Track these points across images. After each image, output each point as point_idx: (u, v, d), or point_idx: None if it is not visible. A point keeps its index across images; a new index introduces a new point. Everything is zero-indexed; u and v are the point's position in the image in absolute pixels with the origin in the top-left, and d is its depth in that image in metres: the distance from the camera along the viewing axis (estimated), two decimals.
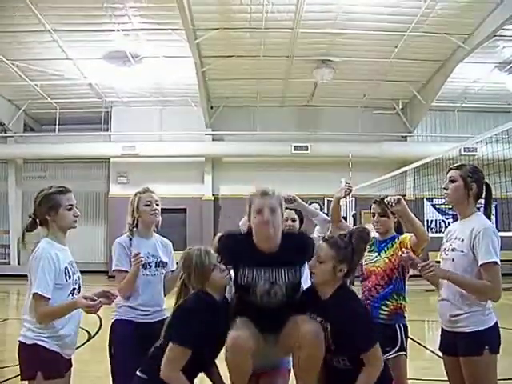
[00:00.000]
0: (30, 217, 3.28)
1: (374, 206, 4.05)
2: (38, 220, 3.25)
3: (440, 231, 16.01)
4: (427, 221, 16.54)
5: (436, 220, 16.90)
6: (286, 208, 3.88)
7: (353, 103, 15.93)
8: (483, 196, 3.49)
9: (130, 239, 3.87)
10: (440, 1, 10.92)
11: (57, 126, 16.59)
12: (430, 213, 16.85)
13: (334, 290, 3.21)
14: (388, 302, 3.74)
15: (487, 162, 8.50)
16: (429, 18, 11.55)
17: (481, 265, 3.24)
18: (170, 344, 3.06)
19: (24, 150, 16.91)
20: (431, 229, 16.39)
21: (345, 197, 4.51)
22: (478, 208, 3.51)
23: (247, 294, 3.25)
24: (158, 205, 3.96)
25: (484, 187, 3.47)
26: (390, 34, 12.19)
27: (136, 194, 3.96)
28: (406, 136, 16.99)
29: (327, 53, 12.74)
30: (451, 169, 3.53)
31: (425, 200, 16.63)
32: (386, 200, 3.79)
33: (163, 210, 4.04)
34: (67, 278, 3.16)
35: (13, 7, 10.90)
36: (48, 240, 3.20)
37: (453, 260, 3.37)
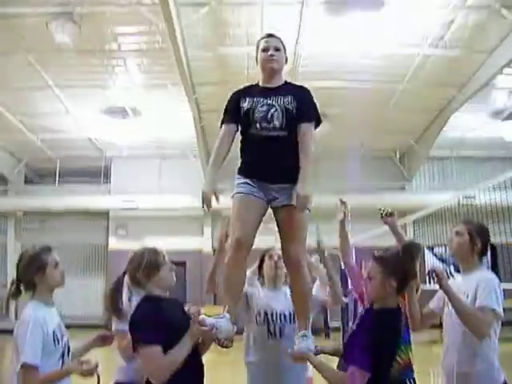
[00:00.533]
0: (12, 284, 3.15)
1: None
2: (22, 284, 3.13)
3: None
4: (428, 271, 16.42)
5: (437, 279, 16.79)
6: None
7: (350, 154, 16.06)
8: (487, 255, 3.49)
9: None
10: (433, 53, 11.15)
11: (57, 179, 16.71)
12: (431, 262, 16.74)
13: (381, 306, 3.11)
14: (397, 358, 3.59)
15: (486, 210, 8.61)
16: (423, 70, 11.77)
17: (478, 306, 3.22)
18: (139, 349, 2.91)
19: (24, 203, 16.95)
20: (433, 278, 16.20)
21: (345, 216, 4.32)
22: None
23: (247, 124, 3.47)
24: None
25: (489, 247, 3.48)
26: (386, 85, 12.42)
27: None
28: (404, 185, 17.08)
29: (324, 105, 12.85)
30: (459, 223, 3.55)
31: (425, 249, 16.56)
32: (381, 208, 3.93)
33: None
34: (56, 343, 3.01)
35: (17, 64, 11.13)
36: (34, 303, 3.06)
37: None
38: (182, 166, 16.66)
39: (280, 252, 3.61)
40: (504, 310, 3.29)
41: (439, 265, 16.62)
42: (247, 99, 3.54)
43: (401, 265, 3.15)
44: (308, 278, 3.44)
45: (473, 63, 11.54)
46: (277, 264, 3.75)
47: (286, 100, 3.49)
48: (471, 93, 12.22)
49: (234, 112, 3.59)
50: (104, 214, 17.46)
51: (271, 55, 3.56)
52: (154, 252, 3.21)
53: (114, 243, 16.98)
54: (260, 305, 3.71)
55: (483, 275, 3.35)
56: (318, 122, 3.61)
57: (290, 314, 3.65)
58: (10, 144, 15.85)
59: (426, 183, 17.53)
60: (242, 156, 3.59)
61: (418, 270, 3.39)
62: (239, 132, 3.60)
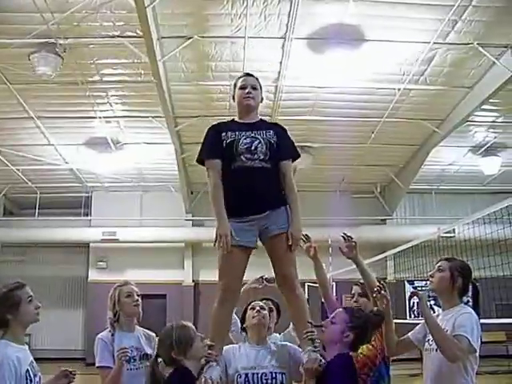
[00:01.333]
0: None
1: (354, 287, 4.13)
2: None
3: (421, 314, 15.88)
4: (409, 303, 16.38)
5: (418, 303, 16.73)
6: (263, 299, 3.96)
7: (331, 187, 16.13)
8: (469, 295, 3.50)
9: (112, 334, 3.81)
10: (413, 88, 11.31)
11: (37, 210, 16.55)
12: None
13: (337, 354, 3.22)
14: None
15: (465, 243, 8.67)
16: (403, 105, 11.96)
17: (453, 335, 3.24)
18: None
19: (3, 234, 16.66)
20: (413, 311, 16.21)
21: (316, 251, 4.27)
22: (464, 302, 3.51)
23: (231, 157, 3.57)
24: (138, 295, 3.95)
25: (471, 287, 3.49)
26: (367, 120, 12.56)
27: (116, 288, 3.95)
28: (385, 219, 17.14)
29: (306, 139, 13.02)
30: (441, 259, 3.59)
31: (405, 282, 16.56)
32: (342, 234, 4.02)
33: (143, 296, 4.03)
34: (29, 382, 2.90)
35: None
36: (5, 342, 2.93)
37: (436, 350, 3.32)
38: (164, 199, 16.60)
39: (261, 303, 3.78)
40: (482, 343, 3.32)
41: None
42: (229, 133, 3.64)
43: (365, 328, 3.32)
44: (303, 297, 3.65)
45: (452, 99, 11.73)
46: (259, 312, 3.68)
47: (268, 134, 3.67)
48: (451, 128, 12.39)
49: (216, 146, 3.66)
50: (84, 247, 17.27)
51: (248, 92, 3.76)
52: (183, 327, 3.26)
53: (94, 276, 16.75)
54: (240, 365, 3.53)
55: (461, 311, 3.37)
56: (294, 159, 3.83)
57: (275, 375, 3.48)
58: None
59: (406, 217, 17.59)
60: (225, 192, 3.59)
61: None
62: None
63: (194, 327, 3.29)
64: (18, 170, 15.04)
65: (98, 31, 9.32)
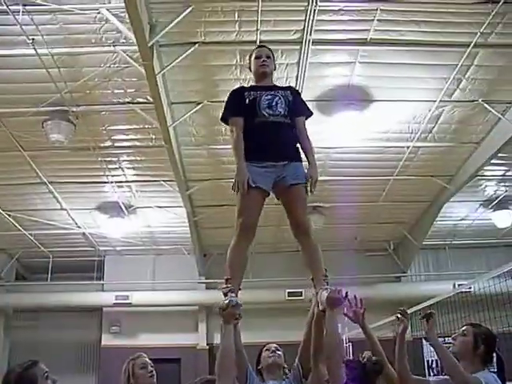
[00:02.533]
0: None
1: (366, 352, 4.12)
2: None
3: (442, 371, 15.50)
4: (427, 361, 15.98)
5: (437, 360, 16.37)
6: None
7: (344, 246, 16.06)
8: (493, 364, 3.45)
9: None
10: (422, 146, 11.40)
11: (49, 275, 16.53)
12: (429, 352, 16.37)
13: None
14: None
15: (481, 298, 8.54)
16: (413, 162, 12.00)
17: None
18: None
19: (15, 299, 16.60)
20: (432, 369, 15.83)
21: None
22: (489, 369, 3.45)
23: (253, 113, 3.94)
24: (152, 366, 4.00)
25: (495, 356, 3.44)
26: (377, 178, 12.59)
27: (129, 361, 4.01)
28: (399, 276, 16.97)
29: (317, 199, 13.03)
30: (467, 324, 3.56)
31: (423, 340, 16.22)
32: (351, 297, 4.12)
33: (156, 360, 4.04)
34: None
35: (11, 160, 11.28)
36: None
37: None
38: (176, 262, 16.51)
39: (275, 344, 3.99)
40: None
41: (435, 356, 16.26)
42: (251, 92, 4.08)
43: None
44: (317, 242, 3.89)
45: (461, 155, 11.78)
46: (275, 353, 3.87)
47: (286, 92, 4.12)
48: (461, 183, 12.41)
49: (239, 105, 4.07)
50: (97, 311, 17.14)
51: (264, 61, 4.20)
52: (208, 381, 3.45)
53: (107, 340, 16.56)
54: None
55: (484, 374, 3.30)
56: (308, 117, 4.33)
57: None
58: (1, 240, 15.75)
59: (421, 273, 17.41)
60: (247, 145, 3.98)
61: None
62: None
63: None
64: (31, 234, 15.11)
65: (109, 98, 9.54)
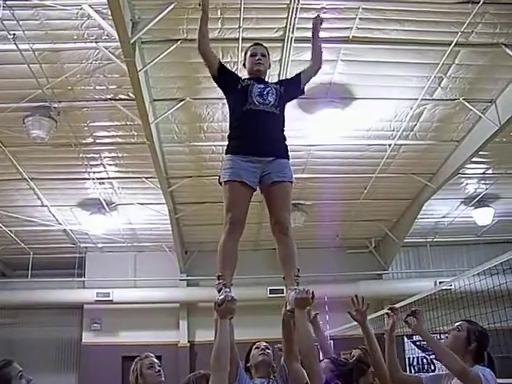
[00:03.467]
0: None
1: (355, 350, 4.14)
2: None
3: (423, 368, 15.67)
4: (408, 358, 16.12)
5: (418, 357, 16.53)
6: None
7: (326, 244, 16.12)
8: (484, 363, 3.46)
9: None
10: (404, 144, 11.47)
11: (29, 272, 16.39)
12: (410, 350, 16.50)
13: None
14: None
15: (461, 296, 8.62)
16: (395, 160, 12.09)
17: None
18: None
19: None
20: (413, 367, 15.97)
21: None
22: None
23: (243, 100, 3.97)
24: (160, 366, 4.13)
25: (486, 356, 3.46)
26: (359, 176, 12.66)
27: (137, 362, 4.13)
28: (381, 274, 17.07)
29: (298, 197, 13.09)
30: (463, 320, 3.59)
31: (404, 337, 16.35)
32: (353, 298, 4.03)
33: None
34: None
35: None
36: None
37: None
38: (158, 259, 16.49)
39: (265, 343, 3.96)
40: None
41: (419, 353, 16.42)
42: (245, 80, 4.17)
43: (350, 375, 3.47)
44: (294, 241, 3.86)
45: (442, 153, 11.92)
46: (264, 351, 3.86)
47: (277, 85, 4.18)
48: (442, 181, 12.52)
49: (230, 73, 4.33)
50: (78, 308, 17.02)
51: (259, 59, 4.24)
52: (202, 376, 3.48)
53: (88, 338, 16.46)
54: None
55: (480, 368, 3.33)
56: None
57: None
58: None
59: (402, 270, 17.53)
60: (233, 133, 4.05)
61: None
62: (230, 110, 4.18)
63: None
64: (11, 231, 14.98)
65: (91, 94, 9.49)
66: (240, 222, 3.80)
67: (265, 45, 4.45)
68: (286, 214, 3.89)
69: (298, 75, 4.43)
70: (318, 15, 4.67)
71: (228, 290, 3.43)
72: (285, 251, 3.81)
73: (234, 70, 5.07)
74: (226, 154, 3.99)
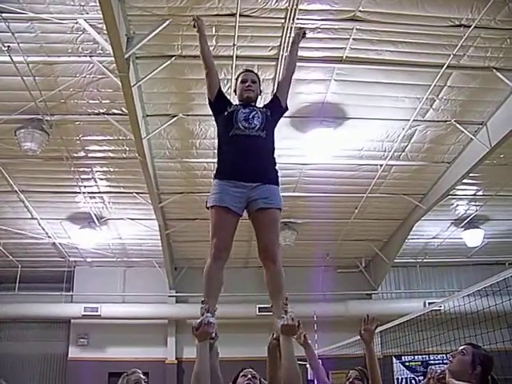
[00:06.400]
0: None
1: (352, 371, 4.14)
2: None
3: None
4: (397, 379, 16.07)
5: (406, 378, 16.46)
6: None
7: (316, 263, 16.09)
8: None
9: None
10: (395, 164, 11.52)
11: (17, 285, 16.25)
12: (399, 371, 16.43)
13: None
14: None
15: (451, 317, 8.59)
16: (386, 181, 12.12)
17: None
18: None
19: None
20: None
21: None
22: None
23: (229, 125, 3.96)
24: (146, 382, 4.14)
25: (490, 379, 3.42)
26: (350, 196, 12.67)
27: (124, 377, 4.13)
28: (370, 293, 17.04)
29: (289, 215, 13.10)
30: (467, 343, 3.54)
31: (393, 358, 16.28)
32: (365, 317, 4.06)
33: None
34: None
35: None
36: None
37: None
38: (147, 275, 16.41)
39: (253, 372, 3.84)
40: None
41: (407, 374, 16.35)
42: (232, 105, 4.17)
43: None
44: (282, 269, 3.78)
45: (433, 174, 11.97)
46: (250, 380, 3.76)
47: (263, 109, 4.18)
48: (433, 202, 12.54)
49: (223, 96, 4.32)
50: (65, 322, 16.87)
51: (249, 86, 4.24)
52: None
53: (75, 353, 16.28)
54: None
55: None
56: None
57: None
58: None
59: (392, 291, 17.51)
60: (220, 158, 4.03)
61: None
62: (218, 135, 4.16)
63: None
64: (0, 243, 14.88)
65: (84, 108, 9.49)
66: (225, 247, 3.76)
67: (258, 63, 4.48)
68: (274, 242, 3.83)
69: (275, 95, 4.45)
70: (301, 28, 4.68)
71: (210, 314, 3.42)
72: (273, 280, 3.77)
73: (227, 88, 5.10)
74: (214, 178, 3.97)
